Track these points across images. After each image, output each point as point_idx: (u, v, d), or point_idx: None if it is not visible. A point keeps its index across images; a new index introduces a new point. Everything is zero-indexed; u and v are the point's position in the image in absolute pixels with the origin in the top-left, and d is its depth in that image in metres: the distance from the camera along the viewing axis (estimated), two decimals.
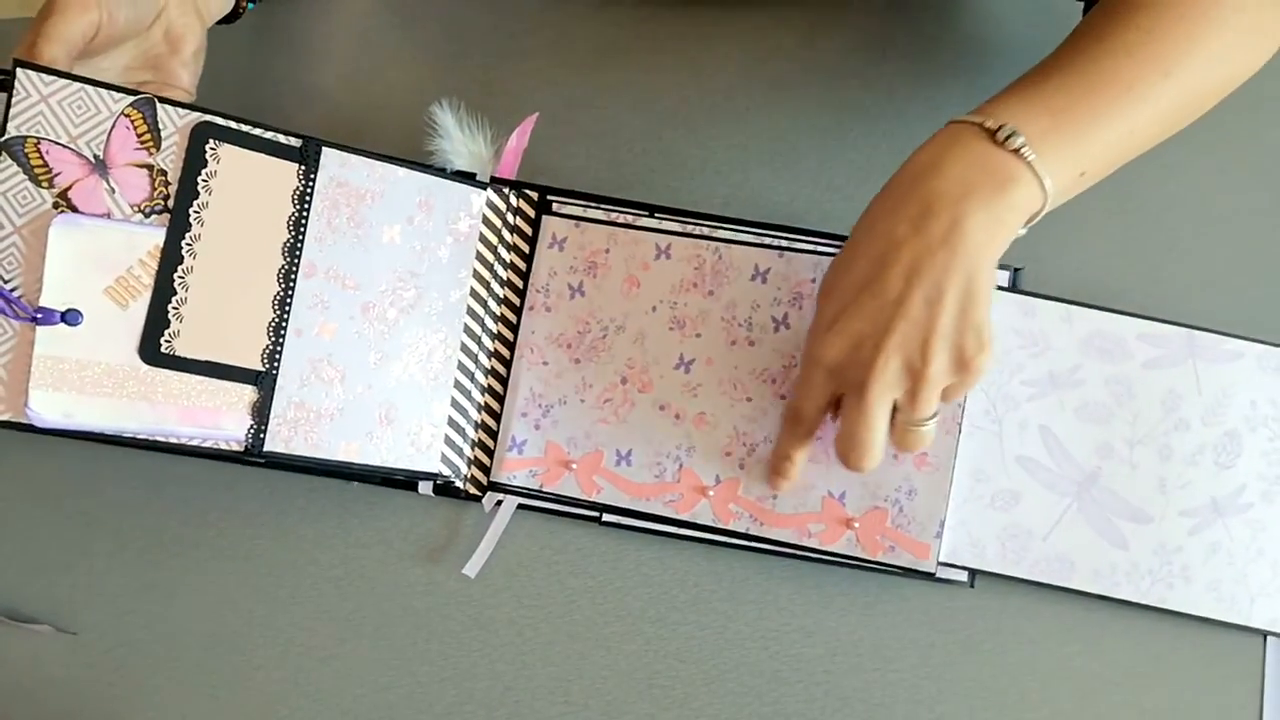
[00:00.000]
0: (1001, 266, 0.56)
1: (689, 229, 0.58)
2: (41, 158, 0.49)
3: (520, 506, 0.58)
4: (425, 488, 0.58)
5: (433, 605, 0.58)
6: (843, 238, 0.56)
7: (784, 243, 0.57)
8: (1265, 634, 0.56)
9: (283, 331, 0.52)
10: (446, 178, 0.56)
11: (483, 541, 0.57)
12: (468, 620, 0.57)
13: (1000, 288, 0.58)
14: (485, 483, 0.58)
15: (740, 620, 0.57)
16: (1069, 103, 0.45)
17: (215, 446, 0.52)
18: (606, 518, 0.57)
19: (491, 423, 0.58)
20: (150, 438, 0.50)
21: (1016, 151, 0.44)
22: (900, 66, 0.62)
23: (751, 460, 0.56)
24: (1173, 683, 0.56)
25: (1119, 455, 0.56)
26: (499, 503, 0.58)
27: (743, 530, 0.56)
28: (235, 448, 0.52)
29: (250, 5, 0.59)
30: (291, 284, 0.52)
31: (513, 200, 0.58)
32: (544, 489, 0.57)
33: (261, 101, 0.63)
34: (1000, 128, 0.45)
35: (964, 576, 0.56)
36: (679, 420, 0.57)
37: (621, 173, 0.60)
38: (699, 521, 0.56)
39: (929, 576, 0.55)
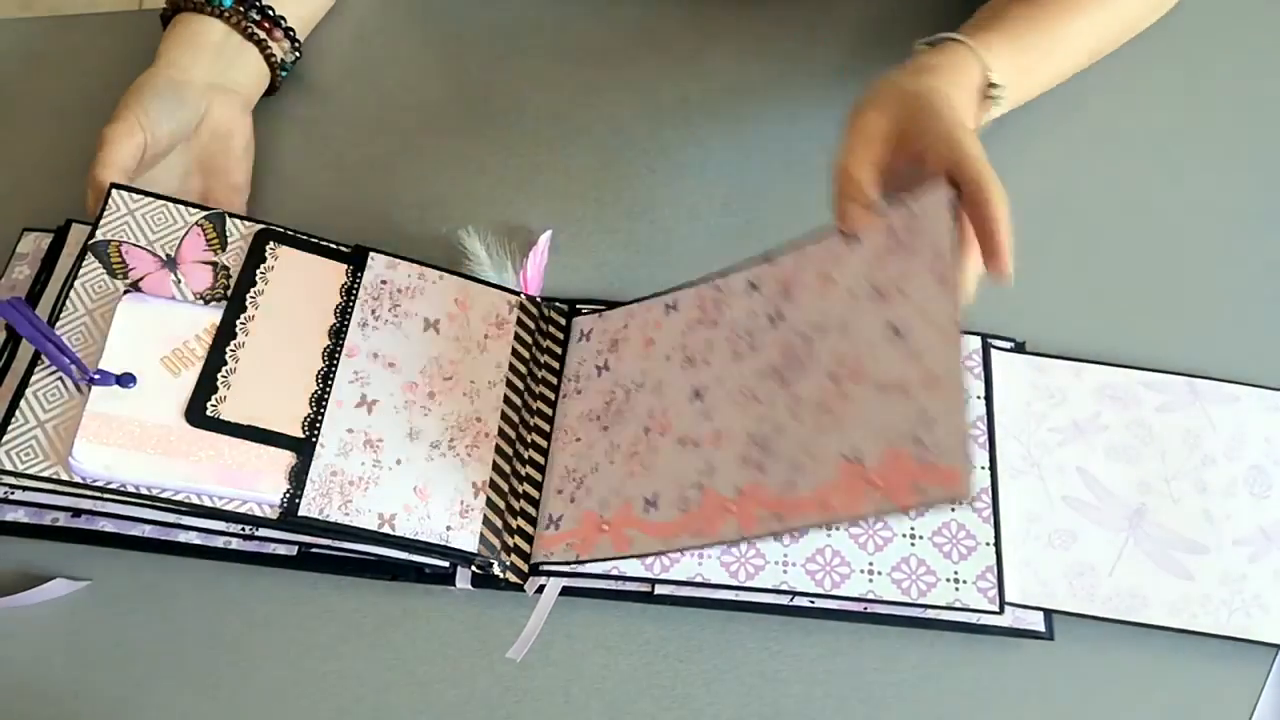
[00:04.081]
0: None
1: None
2: (120, 256, 0.55)
3: (566, 590, 0.54)
4: (463, 580, 0.55)
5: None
6: None
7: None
8: None
9: (324, 403, 0.54)
10: (482, 283, 0.61)
11: (528, 625, 0.53)
12: (469, 623, 0.54)
13: (1008, 350, 0.60)
14: (526, 569, 0.55)
15: (740, 620, 0.54)
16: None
17: (250, 512, 0.51)
18: (660, 589, 0.53)
19: (531, 509, 0.56)
20: (185, 496, 0.50)
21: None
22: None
23: (768, 459, 0.51)
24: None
25: (1158, 491, 0.56)
26: (540, 588, 0.54)
27: (765, 531, 0.49)
28: (270, 513, 0.51)
29: (284, 74, 0.66)
30: (335, 361, 0.55)
31: (543, 309, 0.62)
32: (580, 558, 0.54)
33: (262, 100, 0.66)
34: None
35: (1039, 619, 0.53)
36: (697, 447, 0.54)
37: (620, 173, 0.63)
38: (726, 539, 0.50)
39: (963, 505, 0.49)
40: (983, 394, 0.58)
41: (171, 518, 0.52)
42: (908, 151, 0.50)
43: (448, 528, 0.54)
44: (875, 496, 0.47)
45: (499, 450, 0.57)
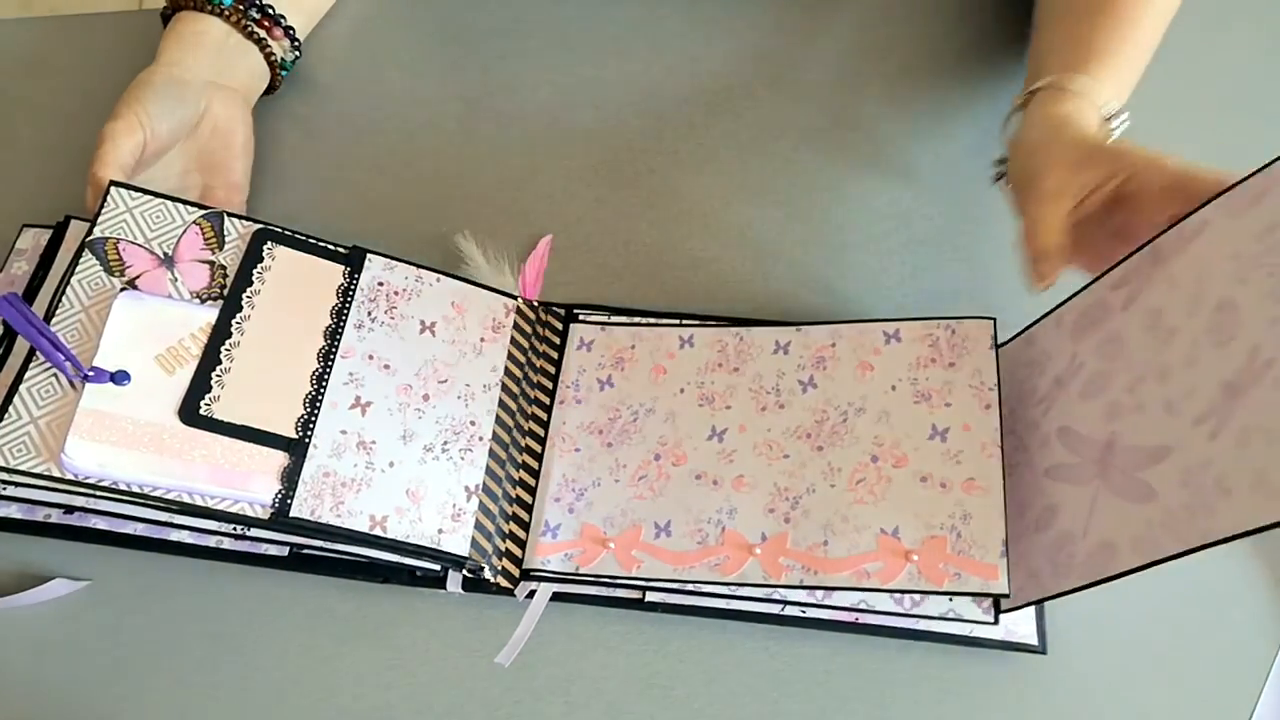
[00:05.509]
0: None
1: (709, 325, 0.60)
2: (118, 254, 0.55)
3: (556, 596, 0.54)
4: (454, 584, 0.55)
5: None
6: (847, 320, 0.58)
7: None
8: None
9: (318, 403, 0.54)
10: (479, 286, 0.60)
11: (517, 630, 0.53)
12: (469, 622, 0.54)
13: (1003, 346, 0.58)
14: (517, 574, 0.55)
15: (740, 620, 0.54)
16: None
17: (241, 512, 0.51)
18: (651, 597, 0.53)
19: (523, 514, 0.56)
20: (177, 495, 0.50)
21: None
22: (901, 65, 0.64)
23: (797, 513, 0.53)
24: None
25: (1125, 407, 0.49)
26: (531, 594, 0.54)
27: (796, 582, 0.51)
28: (261, 513, 0.51)
29: (284, 73, 0.66)
30: (330, 362, 0.55)
31: (540, 314, 0.62)
32: (581, 570, 0.54)
33: (262, 100, 0.66)
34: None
35: (1032, 632, 0.53)
36: (717, 486, 0.55)
37: (621, 172, 0.63)
38: (749, 581, 0.52)
39: (1003, 599, 0.49)
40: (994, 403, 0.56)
41: (163, 516, 0.52)
42: (1105, 199, 0.53)
43: (439, 531, 0.53)
44: (913, 572, 0.50)
45: (492, 454, 0.57)
